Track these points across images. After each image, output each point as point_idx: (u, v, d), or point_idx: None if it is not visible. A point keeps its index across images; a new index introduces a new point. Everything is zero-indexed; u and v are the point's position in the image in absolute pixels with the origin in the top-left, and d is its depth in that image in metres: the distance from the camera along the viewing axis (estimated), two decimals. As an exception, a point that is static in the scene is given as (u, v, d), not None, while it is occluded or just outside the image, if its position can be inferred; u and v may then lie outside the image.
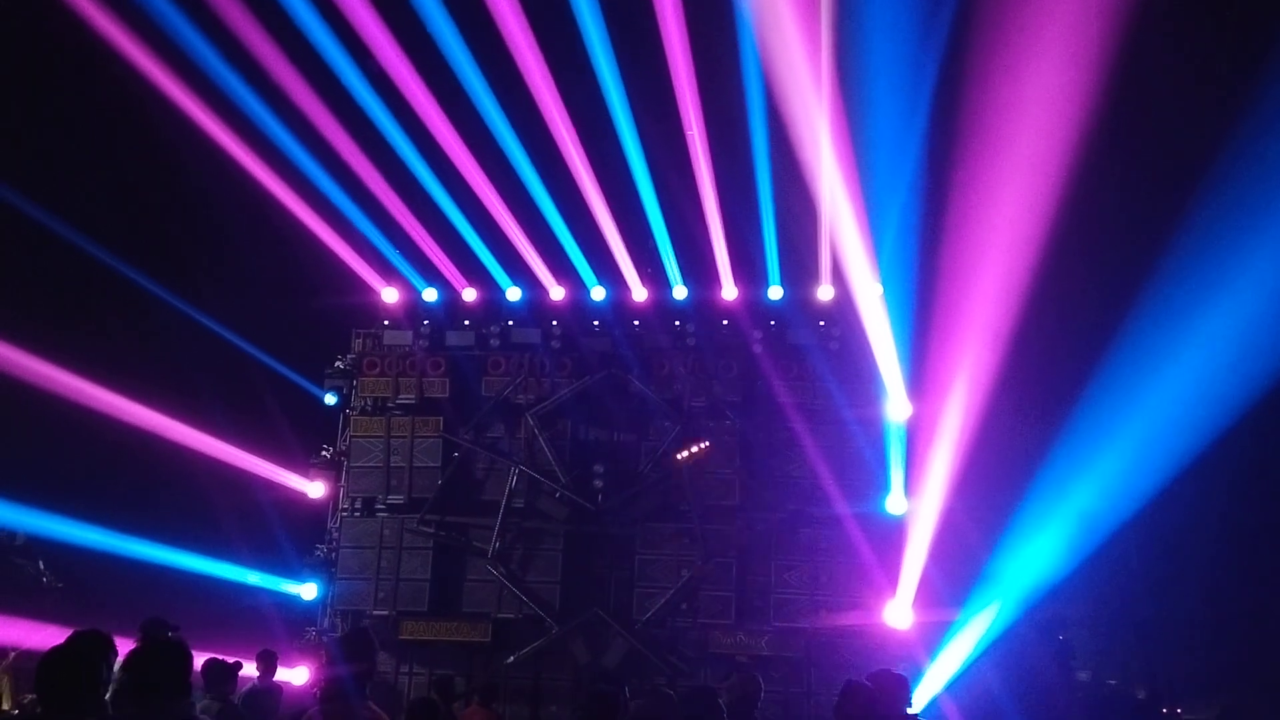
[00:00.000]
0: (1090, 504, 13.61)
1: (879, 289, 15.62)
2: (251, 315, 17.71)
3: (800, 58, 14.07)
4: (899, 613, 15.27)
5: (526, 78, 15.51)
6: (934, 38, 13.64)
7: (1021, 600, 14.28)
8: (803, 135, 14.71)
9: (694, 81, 15.31)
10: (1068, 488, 13.81)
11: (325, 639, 15.50)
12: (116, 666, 5.91)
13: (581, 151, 16.15)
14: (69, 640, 5.71)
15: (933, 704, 14.07)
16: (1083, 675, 18.87)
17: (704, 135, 15.56)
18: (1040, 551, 13.98)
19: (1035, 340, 14.67)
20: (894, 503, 15.71)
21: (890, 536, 15.58)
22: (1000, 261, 13.76)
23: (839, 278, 16.27)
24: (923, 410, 15.50)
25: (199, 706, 8.24)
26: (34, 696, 5.71)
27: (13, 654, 11.83)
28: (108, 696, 6.52)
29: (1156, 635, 16.68)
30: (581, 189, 16.54)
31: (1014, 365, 14.18)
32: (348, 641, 6.69)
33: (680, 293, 17.05)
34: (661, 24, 14.82)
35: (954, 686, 14.33)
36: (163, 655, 5.55)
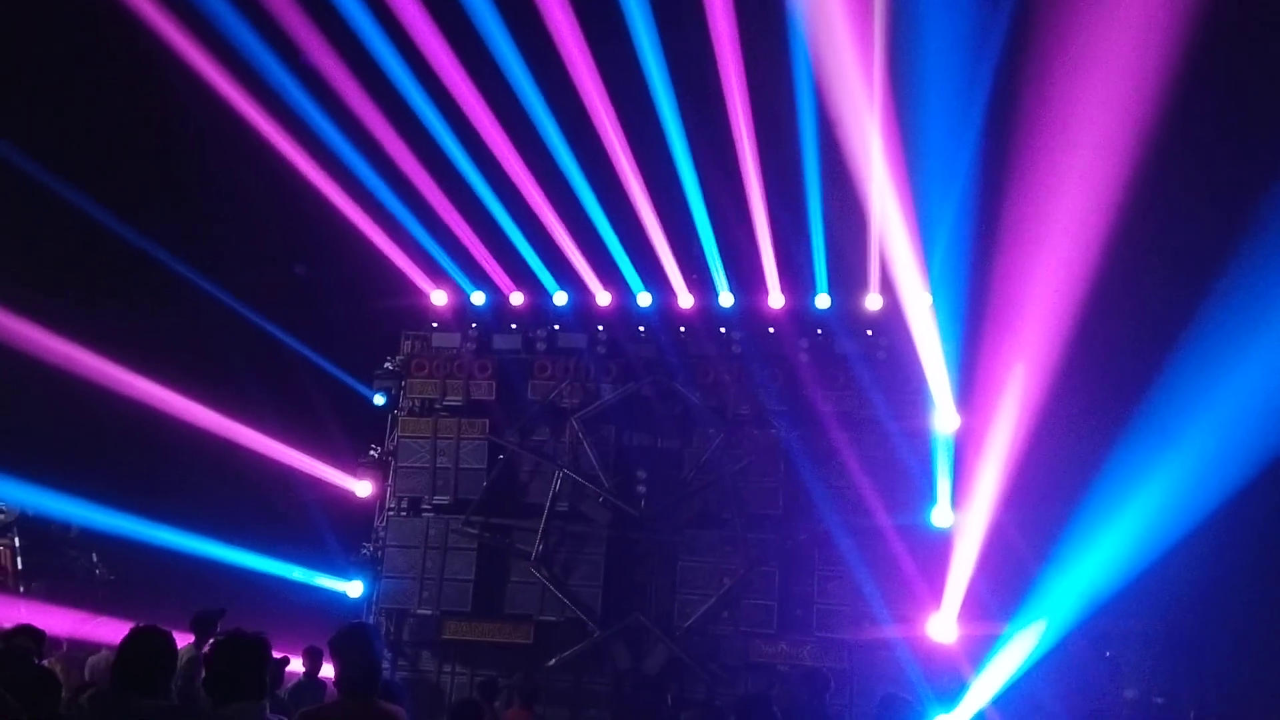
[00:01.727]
0: (1146, 518, 13.27)
1: (928, 298, 15.46)
2: (304, 317, 17.95)
3: (852, 59, 13.88)
4: (943, 626, 15.11)
5: (576, 81, 15.55)
6: (990, 38, 13.32)
7: (1072, 615, 14.01)
8: (853, 140, 14.57)
9: (744, 85, 15.23)
10: (1123, 502, 13.48)
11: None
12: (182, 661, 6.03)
13: (630, 156, 16.17)
14: (137, 633, 5.85)
15: (978, 718, 13.90)
16: (1129, 693, 18.52)
17: (753, 139, 15.49)
18: (1092, 566, 13.69)
19: (1092, 351, 14.30)
20: (939, 515, 15.55)
21: (935, 549, 15.41)
22: (1056, 269, 13.41)
23: (887, 286, 16.14)
24: (971, 421, 15.30)
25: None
26: (94, 689, 5.85)
27: (65, 644, 12.07)
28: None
29: (1206, 652, 16.28)
30: (629, 194, 16.57)
31: (1069, 377, 13.83)
32: (342, 639, 6.73)
33: (726, 300, 17.02)
34: (711, 26, 14.78)
35: (1000, 701, 14.13)
36: (244, 651, 5.67)
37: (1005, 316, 14.09)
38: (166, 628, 5.94)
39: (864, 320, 16.59)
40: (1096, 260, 13.18)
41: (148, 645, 5.98)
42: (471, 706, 8.10)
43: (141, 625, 6.26)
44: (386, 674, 15.89)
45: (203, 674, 7.22)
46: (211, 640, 6.67)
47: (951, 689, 14.63)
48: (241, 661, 5.95)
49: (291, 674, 11.73)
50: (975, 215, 14.17)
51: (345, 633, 5.91)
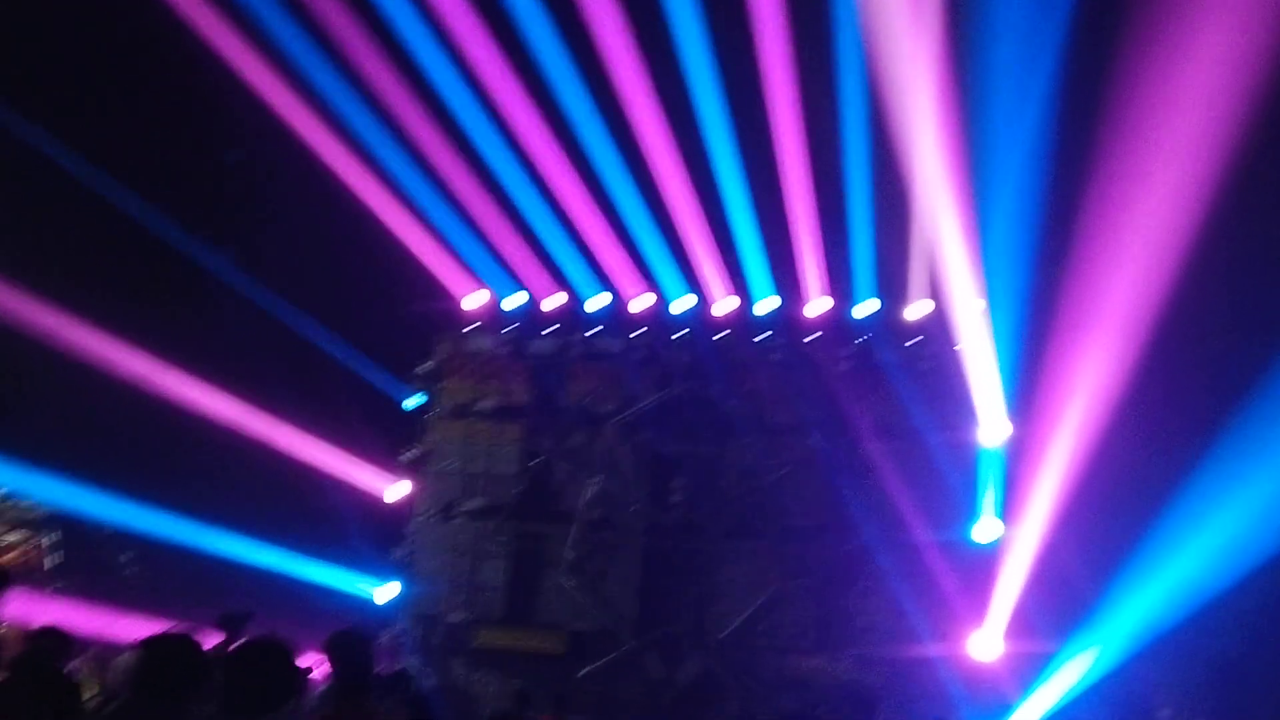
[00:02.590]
0: (1212, 548, 12.64)
1: (982, 304, 14.96)
2: (339, 318, 17.79)
3: (906, 53, 13.39)
4: (985, 644, 14.68)
5: (618, 80, 15.29)
6: (1062, 25, 12.62)
7: (1126, 640, 13.46)
8: (903, 142, 14.16)
9: (791, 84, 14.87)
10: (1189, 529, 12.85)
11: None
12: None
13: (672, 157, 15.86)
14: (160, 637, 5.64)
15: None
16: (1165, 713, 17.96)
17: (800, 141, 15.14)
18: (1151, 592, 13.13)
19: (1170, 368, 13.61)
20: (982, 530, 15.13)
21: (978, 565, 14.99)
22: (1135, 277, 12.74)
23: (934, 293, 15.75)
24: (1027, 433, 14.81)
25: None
26: (120, 701, 5.63)
27: (94, 645, 11.93)
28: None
29: (1241, 673, 15.65)
30: (670, 196, 16.26)
31: (1142, 393, 13.16)
32: (335, 641, 6.56)
33: (766, 306, 16.67)
34: (758, 23, 14.45)
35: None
36: (265, 660, 5.49)
37: (1072, 325, 13.48)
38: (190, 630, 5.73)
39: (907, 328, 16.21)
40: (1181, 269, 12.49)
41: (169, 653, 5.76)
42: (508, 718, 7.84)
43: (161, 632, 6.04)
44: (416, 682, 15.71)
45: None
46: (231, 647, 6.48)
47: (994, 709, 14.20)
48: (262, 670, 5.74)
49: (315, 681, 11.51)
50: (1042, 217, 13.55)
51: (338, 635, 5.95)
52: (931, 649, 14.99)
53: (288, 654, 6.04)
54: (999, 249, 14.10)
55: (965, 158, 13.88)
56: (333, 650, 6.07)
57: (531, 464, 16.78)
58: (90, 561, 17.08)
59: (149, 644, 5.78)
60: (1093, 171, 12.78)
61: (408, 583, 16.77)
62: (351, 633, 6.13)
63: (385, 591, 16.75)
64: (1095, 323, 13.36)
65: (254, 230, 17.44)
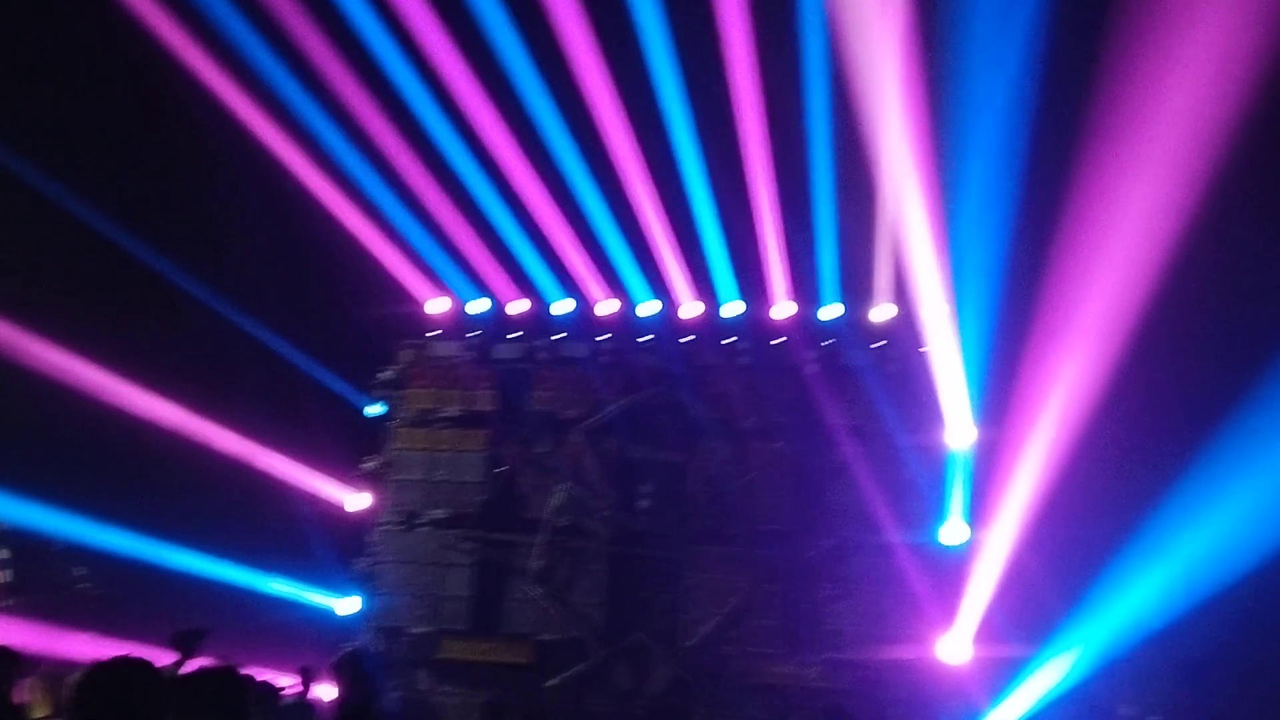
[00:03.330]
0: (1184, 560, 12.59)
1: (948, 308, 14.93)
2: (296, 323, 17.45)
3: (873, 55, 13.26)
4: (954, 647, 14.63)
5: (582, 84, 15.12)
6: (1027, 25, 12.46)
7: (1095, 645, 13.44)
8: (871, 148, 14.08)
9: (756, 88, 14.77)
10: (1174, 537, 12.77)
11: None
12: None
13: (637, 162, 15.72)
14: (108, 663, 5.40)
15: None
16: (1125, 711, 17.99)
17: (764, 145, 15.03)
18: (1122, 600, 13.10)
19: (1143, 372, 13.51)
20: (950, 533, 15.09)
21: (946, 567, 14.96)
22: (1106, 281, 12.66)
23: (902, 296, 15.70)
24: (995, 436, 14.77)
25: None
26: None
27: (43, 663, 11.58)
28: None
29: (1201, 674, 15.68)
30: (635, 201, 16.11)
31: (1115, 398, 13.06)
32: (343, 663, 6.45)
33: (732, 310, 16.56)
34: (723, 27, 14.34)
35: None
36: (214, 686, 5.33)
37: (1041, 329, 13.41)
38: (143, 653, 5.50)
39: (874, 331, 16.14)
40: (1155, 277, 12.38)
41: (114, 680, 5.51)
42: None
43: (108, 659, 5.79)
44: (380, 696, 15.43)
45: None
46: (184, 666, 6.30)
47: (964, 714, 14.15)
48: (211, 699, 5.55)
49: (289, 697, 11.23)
50: (1013, 220, 13.45)
51: (346, 657, 5.96)
52: (901, 653, 14.91)
53: (241, 683, 5.82)
54: (967, 251, 14.05)
55: (934, 159, 13.82)
56: (341, 671, 5.99)
57: (496, 471, 16.51)
58: (43, 578, 16.64)
59: (97, 670, 5.52)
60: (1065, 174, 12.74)
61: (370, 594, 16.46)
62: (359, 654, 6.10)
63: (347, 604, 16.43)
64: (1066, 327, 13.34)
65: (212, 237, 17.05)
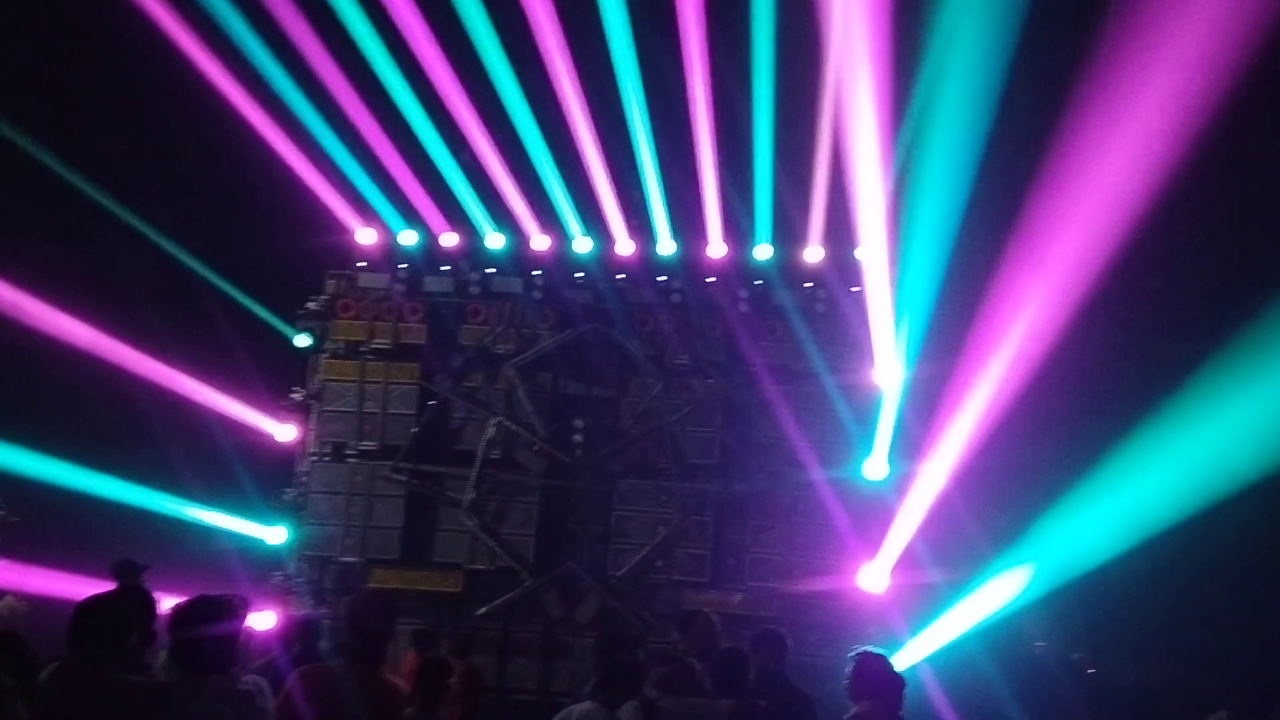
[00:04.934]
0: (1131, 503, 13.22)
1: (881, 248, 15.34)
2: (223, 251, 17.06)
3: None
4: (875, 577, 15.27)
5: (522, 12, 14.97)
6: None
7: (1014, 583, 14.16)
8: (812, 87, 14.25)
9: (700, 22, 14.80)
10: (1113, 479, 13.40)
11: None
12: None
13: (576, 94, 15.66)
14: (97, 600, 5.42)
15: (911, 671, 14.07)
16: (1041, 644, 19.02)
17: (705, 82, 15.11)
18: (1047, 539, 13.77)
19: (1088, 321, 14.04)
20: (874, 468, 15.66)
21: (870, 502, 15.55)
22: (1053, 228, 13.09)
23: (834, 237, 16.07)
24: (924, 376, 15.31)
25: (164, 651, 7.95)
26: (56, 665, 5.42)
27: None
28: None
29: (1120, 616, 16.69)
30: (572, 134, 16.08)
31: (1058, 345, 13.54)
32: (355, 605, 6.54)
33: (667, 248, 16.74)
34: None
35: (939, 657, 14.34)
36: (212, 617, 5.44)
37: (977, 272, 13.90)
38: (67, 582, 5.64)
39: (805, 272, 16.50)
40: (1111, 233, 12.81)
41: (110, 610, 5.56)
42: (440, 665, 7.80)
43: (104, 592, 5.84)
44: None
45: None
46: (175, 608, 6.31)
47: (883, 640, 14.80)
48: (209, 629, 5.63)
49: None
50: (959, 165, 13.79)
51: (359, 600, 6.13)
52: (823, 583, 15.50)
53: (234, 611, 5.92)
54: (907, 192, 14.40)
55: (882, 98, 14.05)
56: (353, 618, 6.05)
57: (429, 404, 16.51)
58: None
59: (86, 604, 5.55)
60: (1016, 121, 13.10)
61: (299, 524, 16.39)
62: (371, 599, 6.20)
63: (276, 533, 16.34)
64: (1007, 271, 13.81)
65: (128, 154, 16.46)
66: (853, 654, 7.57)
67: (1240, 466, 12.81)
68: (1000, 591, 14.32)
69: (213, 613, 5.67)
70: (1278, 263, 13.38)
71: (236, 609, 5.82)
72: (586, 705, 7.04)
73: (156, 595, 6.02)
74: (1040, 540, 14.23)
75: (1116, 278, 13.45)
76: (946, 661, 14.19)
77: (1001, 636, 15.38)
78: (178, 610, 5.80)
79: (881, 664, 7.49)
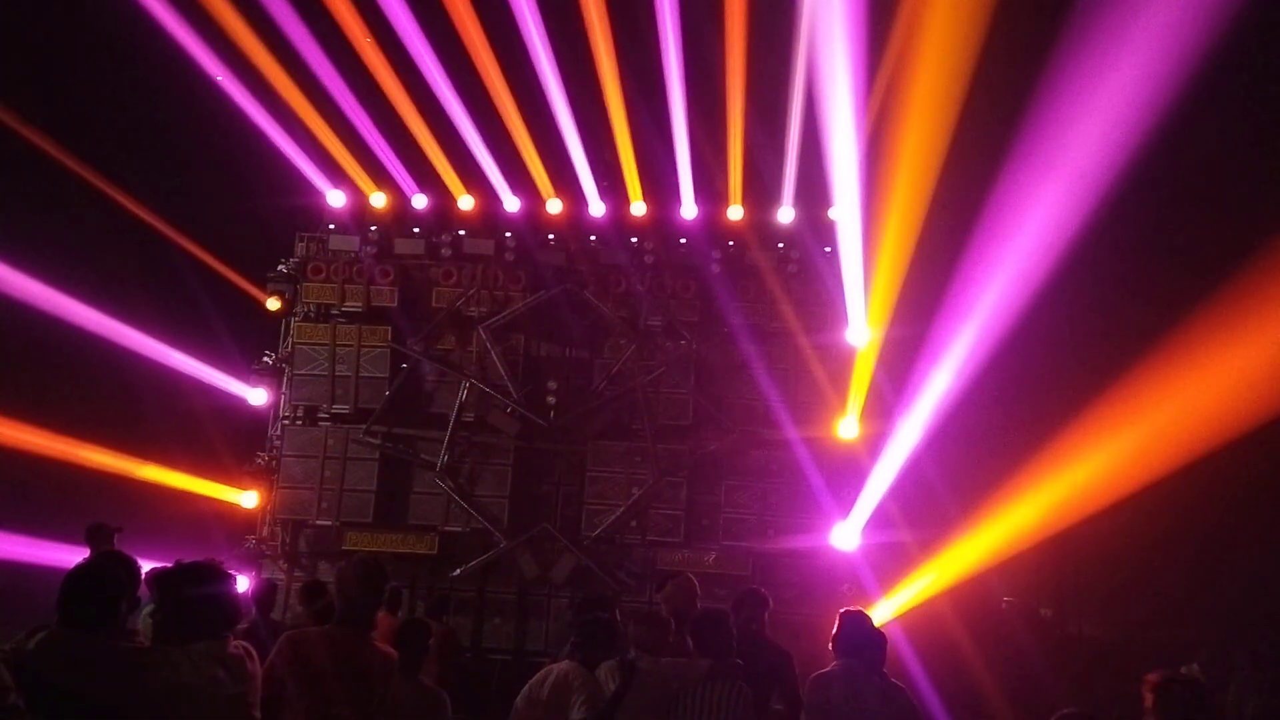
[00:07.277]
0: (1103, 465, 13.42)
1: (852, 210, 15.40)
2: (190, 211, 16.88)
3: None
4: (847, 535, 15.45)
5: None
6: None
7: (996, 543, 14.38)
8: (783, 47, 14.20)
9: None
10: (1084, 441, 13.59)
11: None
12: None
13: (547, 55, 15.55)
14: (93, 563, 5.43)
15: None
16: (1009, 599, 19.33)
17: (677, 44, 15.03)
18: (1035, 497, 13.96)
19: (1054, 288, 14.14)
20: (845, 428, 15.81)
21: (843, 462, 15.71)
22: (1051, 193, 13.09)
23: (809, 199, 16.10)
24: (896, 337, 15.43)
25: (145, 613, 7.95)
26: (44, 633, 5.43)
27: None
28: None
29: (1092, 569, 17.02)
30: (544, 94, 15.98)
31: (1028, 311, 13.64)
32: (349, 571, 6.57)
33: (639, 209, 16.73)
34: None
35: (909, 615, 14.58)
36: (199, 583, 5.49)
37: (950, 237, 13.97)
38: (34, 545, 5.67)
39: (777, 233, 16.57)
40: (1082, 193, 12.90)
41: (100, 579, 5.58)
42: (420, 626, 7.84)
43: (91, 560, 5.85)
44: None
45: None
46: (159, 572, 6.33)
47: (855, 597, 15.01)
48: (196, 595, 5.66)
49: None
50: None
51: (353, 565, 6.15)
52: (795, 541, 15.67)
53: (223, 578, 5.93)
54: (880, 153, 14.43)
55: (852, 58, 14.02)
56: (340, 584, 6.11)
57: (401, 367, 16.47)
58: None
59: (76, 573, 5.57)
60: (990, 84, 13.12)
61: (272, 488, 16.35)
62: (363, 564, 6.23)
63: (249, 497, 16.31)
64: (981, 235, 13.91)
65: (102, 122, 16.22)
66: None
67: (1208, 429, 13.08)
68: (969, 550, 14.56)
69: (203, 576, 5.69)
70: (1242, 228, 13.59)
71: (226, 573, 5.83)
72: (565, 664, 7.10)
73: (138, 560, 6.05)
74: (1009, 500, 14.46)
75: (1089, 242, 13.58)
76: (915, 618, 14.43)
77: (969, 594, 15.62)
78: (167, 573, 5.81)
79: (864, 622, 7.62)
